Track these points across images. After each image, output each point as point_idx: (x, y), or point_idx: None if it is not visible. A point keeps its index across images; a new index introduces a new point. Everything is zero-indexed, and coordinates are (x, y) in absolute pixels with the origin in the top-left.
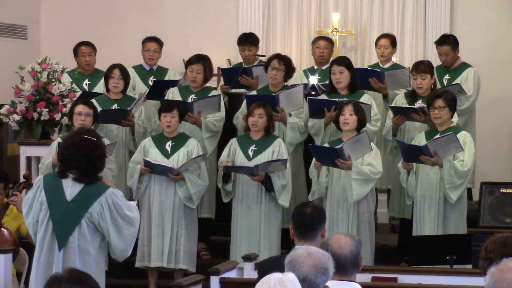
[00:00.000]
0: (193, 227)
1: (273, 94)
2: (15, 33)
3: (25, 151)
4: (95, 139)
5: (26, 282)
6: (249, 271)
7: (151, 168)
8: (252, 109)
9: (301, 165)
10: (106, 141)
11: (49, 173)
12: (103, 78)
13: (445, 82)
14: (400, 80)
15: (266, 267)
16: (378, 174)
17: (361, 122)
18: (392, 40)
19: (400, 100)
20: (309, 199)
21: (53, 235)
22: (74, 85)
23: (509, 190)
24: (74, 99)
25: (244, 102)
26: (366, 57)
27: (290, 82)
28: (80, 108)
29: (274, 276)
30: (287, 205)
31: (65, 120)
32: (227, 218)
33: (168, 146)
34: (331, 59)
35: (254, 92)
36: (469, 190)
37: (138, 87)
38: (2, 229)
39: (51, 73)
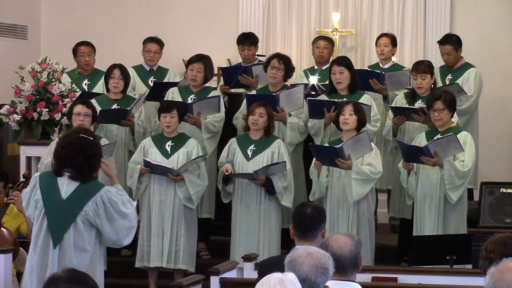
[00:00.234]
0: (192, 227)
1: (273, 94)
2: (15, 33)
3: (25, 151)
4: (91, 138)
5: None
6: (249, 271)
7: (150, 168)
8: (253, 108)
9: (300, 165)
10: (105, 141)
11: (45, 172)
12: (103, 78)
13: (447, 82)
14: (400, 81)
15: (266, 267)
16: (378, 174)
17: (361, 122)
18: (392, 39)
19: (400, 100)
20: (309, 199)
21: (48, 233)
22: (74, 85)
23: (509, 190)
24: (74, 99)
25: (244, 102)
26: (366, 57)
27: (290, 82)
28: (79, 108)
29: (274, 276)
30: (291, 205)
31: (65, 120)
32: (227, 218)
33: (168, 146)
34: (331, 59)
35: (254, 92)
36: (470, 191)
37: (138, 87)
38: (2, 228)
39: (51, 73)
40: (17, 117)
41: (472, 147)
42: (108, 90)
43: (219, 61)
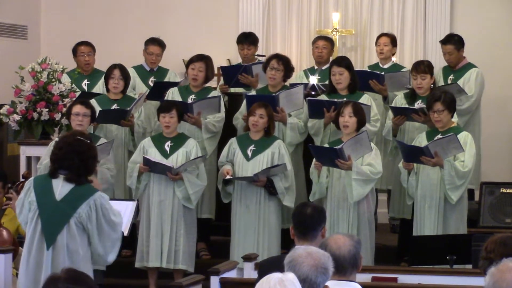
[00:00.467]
0: (192, 227)
1: (273, 94)
2: (15, 33)
3: (25, 151)
4: (88, 141)
5: None
6: (249, 271)
7: (150, 166)
8: (253, 109)
9: (300, 165)
10: (104, 141)
11: (40, 175)
12: (102, 78)
13: (449, 82)
14: (400, 82)
15: (266, 267)
16: (378, 174)
17: (361, 123)
18: (392, 39)
19: (399, 100)
20: (309, 199)
21: (42, 235)
22: (73, 85)
23: (509, 190)
24: (74, 99)
25: (244, 102)
26: (366, 57)
27: (290, 82)
28: (78, 108)
29: (274, 276)
30: (292, 205)
31: (65, 120)
32: (227, 218)
33: (167, 146)
34: (331, 59)
35: (253, 92)
36: (471, 191)
37: (138, 87)
38: (1, 229)
39: (51, 73)
40: (17, 117)
41: (473, 147)
42: (108, 90)
43: (219, 61)
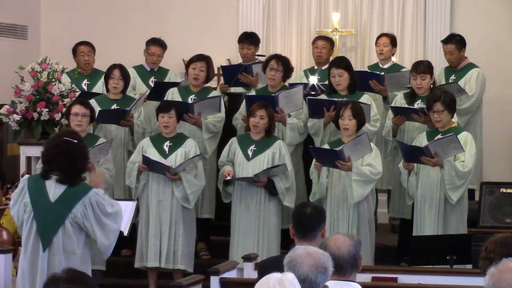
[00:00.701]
0: (191, 227)
1: (273, 94)
2: (15, 33)
3: (25, 151)
4: (76, 141)
5: None
6: (249, 271)
7: (149, 165)
8: (253, 110)
9: (300, 165)
10: (102, 140)
11: (33, 175)
12: (102, 78)
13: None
14: (400, 83)
15: (266, 267)
16: (378, 175)
17: (361, 124)
18: (392, 39)
19: (399, 100)
20: (309, 199)
21: (37, 236)
22: (73, 85)
23: (509, 190)
24: (74, 99)
25: (243, 102)
26: (366, 57)
27: (290, 82)
28: (77, 108)
29: (274, 276)
30: (293, 206)
31: (65, 120)
32: (227, 218)
33: (166, 146)
34: (331, 59)
35: (253, 92)
36: (472, 191)
37: (139, 87)
38: (1, 229)
39: (51, 73)
40: (17, 117)
41: (473, 147)
42: (107, 90)
43: (219, 61)
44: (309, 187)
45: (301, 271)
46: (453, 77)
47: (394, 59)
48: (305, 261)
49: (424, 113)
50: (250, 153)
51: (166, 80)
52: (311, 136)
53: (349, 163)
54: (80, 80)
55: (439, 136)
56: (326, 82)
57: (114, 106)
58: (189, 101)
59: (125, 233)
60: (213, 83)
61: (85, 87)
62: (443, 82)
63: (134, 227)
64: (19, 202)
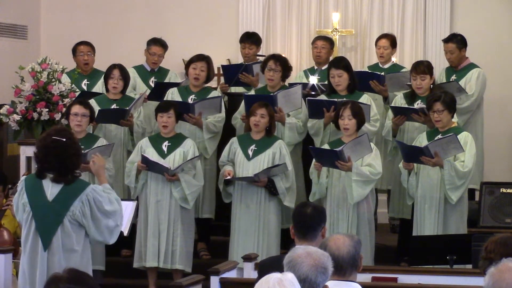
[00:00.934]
0: (189, 227)
1: (271, 94)
2: (15, 33)
3: (25, 151)
4: (64, 139)
5: None
6: (249, 271)
7: (147, 165)
8: (254, 109)
9: (299, 165)
10: (103, 141)
11: (30, 175)
12: (102, 78)
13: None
14: (400, 83)
15: (266, 267)
16: (378, 175)
17: (360, 123)
18: (392, 41)
19: (399, 100)
20: (309, 199)
21: (36, 236)
22: (73, 85)
23: (509, 190)
24: (74, 99)
25: (243, 102)
26: (366, 57)
27: (290, 82)
28: (76, 108)
29: (273, 276)
30: (293, 205)
31: (65, 120)
32: (227, 218)
33: (165, 146)
34: (331, 59)
35: (252, 92)
36: (472, 191)
37: (139, 87)
38: (2, 229)
39: (51, 73)
40: (17, 117)
41: (473, 147)
42: (107, 90)
43: (219, 61)
44: (308, 187)
45: (301, 271)
46: (454, 77)
47: (394, 59)
48: (305, 261)
49: (424, 113)
50: (250, 153)
51: (167, 80)
52: (310, 136)
53: (349, 163)
54: (80, 80)
55: (439, 136)
56: (326, 82)
57: (113, 106)
58: (189, 101)
59: (125, 233)
60: (213, 83)
61: (85, 87)
62: (435, 79)
63: (133, 227)
64: (20, 203)
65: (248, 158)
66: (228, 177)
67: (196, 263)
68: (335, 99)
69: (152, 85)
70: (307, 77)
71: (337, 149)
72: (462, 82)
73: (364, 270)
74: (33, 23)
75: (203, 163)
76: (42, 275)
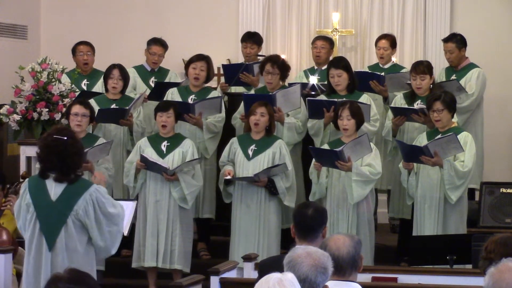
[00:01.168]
0: (188, 227)
1: (270, 93)
2: (15, 33)
3: (25, 151)
4: (65, 138)
5: None
6: (249, 271)
7: (146, 164)
8: (254, 108)
9: (299, 165)
10: (103, 141)
11: (33, 176)
12: (102, 78)
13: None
14: (400, 83)
15: (266, 267)
16: (377, 175)
17: (359, 123)
18: (392, 41)
19: (399, 100)
20: (309, 199)
21: (41, 236)
22: (73, 85)
23: (509, 190)
24: (74, 99)
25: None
26: (366, 57)
27: (290, 82)
28: (77, 108)
29: (273, 276)
30: (293, 205)
31: (65, 120)
32: (227, 218)
33: (164, 146)
34: (331, 58)
35: (252, 92)
36: (472, 191)
37: (139, 87)
38: (1, 229)
39: (51, 73)
40: (17, 117)
41: (473, 147)
42: (107, 90)
43: (219, 61)
44: (308, 187)
45: (300, 271)
46: (453, 77)
47: (394, 59)
48: (304, 261)
49: (424, 113)
50: (250, 152)
51: (167, 80)
52: (310, 136)
53: (349, 164)
54: (79, 80)
55: (439, 136)
56: (326, 82)
57: (113, 106)
58: (189, 101)
59: (125, 233)
60: (213, 83)
61: (84, 87)
62: (435, 79)
63: (133, 227)
64: (22, 205)
65: (248, 158)
66: (228, 177)
67: (196, 263)
68: (335, 99)
69: (152, 85)
70: (307, 77)
71: (337, 149)
72: (462, 82)
73: (364, 270)
74: (33, 23)
75: (203, 163)
76: (46, 275)
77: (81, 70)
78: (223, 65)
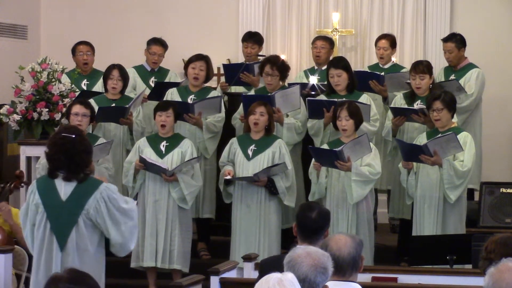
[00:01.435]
0: (187, 227)
1: (269, 94)
2: (15, 33)
3: (25, 151)
4: (73, 136)
5: (26, 282)
6: (249, 271)
7: (145, 165)
8: (253, 108)
9: (299, 165)
10: (103, 141)
11: (41, 176)
12: (101, 78)
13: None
14: (400, 83)
15: (267, 266)
16: (377, 175)
17: (358, 123)
18: (392, 41)
19: (399, 100)
20: (308, 199)
21: (51, 236)
22: (73, 85)
23: (509, 190)
24: (74, 99)
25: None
26: (366, 57)
27: (290, 82)
28: (77, 108)
29: (273, 276)
30: (293, 205)
31: (65, 120)
32: (228, 218)
33: (163, 146)
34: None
35: (252, 92)
36: (471, 191)
37: (139, 87)
38: None
39: (51, 73)
40: (17, 117)
41: (472, 147)
42: (106, 90)
43: (219, 61)
44: (308, 187)
45: (300, 271)
46: (452, 77)
47: (394, 59)
48: (304, 261)
49: (424, 113)
50: (250, 152)
51: (167, 80)
52: (310, 136)
53: (348, 163)
54: (79, 80)
55: (439, 135)
56: (326, 82)
57: None
58: (189, 101)
59: None
60: (213, 83)
61: (84, 87)
62: (434, 79)
63: None
64: (30, 205)
65: (248, 158)
66: (228, 177)
67: (196, 263)
68: (335, 99)
69: (152, 85)
70: (307, 77)
71: (336, 149)
72: (461, 82)
73: (364, 270)
74: (33, 23)
75: (203, 163)
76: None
77: (81, 70)
78: (224, 65)
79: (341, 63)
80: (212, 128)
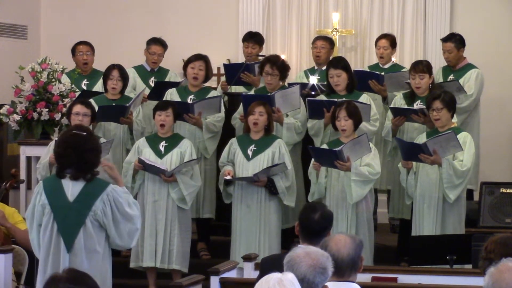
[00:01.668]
0: (186, 227)
1: (269, 94)
2: (15, 33)
3: (25, 151)
4: (84, 133)
5: (26, 282)
6: (249, 271)
7: (144, 166)
8: (252, 108)
9: (299, 165)
10: (103, 140)
11: (47, 177)
12: (101, 78)
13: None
14: (399, 83)
15: (267, 265)
16: (376, 175)
17: (357, 123)
18: (392, 41)
19: (398, 100)
20: (308, 199)
21: (59, 237)
22: (73, 85)
23: (509, 190)
24: (74, 99)
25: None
26: (366, 57)
27: (290, 81)
28: (78, 108)
29: (273, 276)
30: (293, 205)
31: (65, 120)
32: (228, 218)
33: (162, 146)
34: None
35: (252, 92)
36: (470, 192)
37: (139, 87)
38: None
39: (51, 73)
40: (17, 117)
41: (472, 147)
42: (106, 90)
43: (219, 61)
44: (308, 187)
45: (299, 271)
46: (451, 77)
47: (394, 59)
48: (303, 261)
49: (424, 113)
50: (250, 153)
51: (166, 80)
52: (310, 136)
53: (348, 163)
54: (79, 80)
55: (439, 134)
56: (326, 82)
57: None
58: (189, 101)
59: None
60: (213, 83)
61: (84, 87)
62: (434, 79)
63: None
64: (36, 206)
65: (248, 158)
66: (228, 177)
67: (196, 263)
68: (335, 99)
69: (152, 85)
70: (307, 77)
71: (336, 149)
72: (460, 82)
73: (364, 270)
74: (33, 23)
75: (203, 163)
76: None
77: (81, 70)
78: (224, 65)
79: (341, 63)
80: (212, 128)
